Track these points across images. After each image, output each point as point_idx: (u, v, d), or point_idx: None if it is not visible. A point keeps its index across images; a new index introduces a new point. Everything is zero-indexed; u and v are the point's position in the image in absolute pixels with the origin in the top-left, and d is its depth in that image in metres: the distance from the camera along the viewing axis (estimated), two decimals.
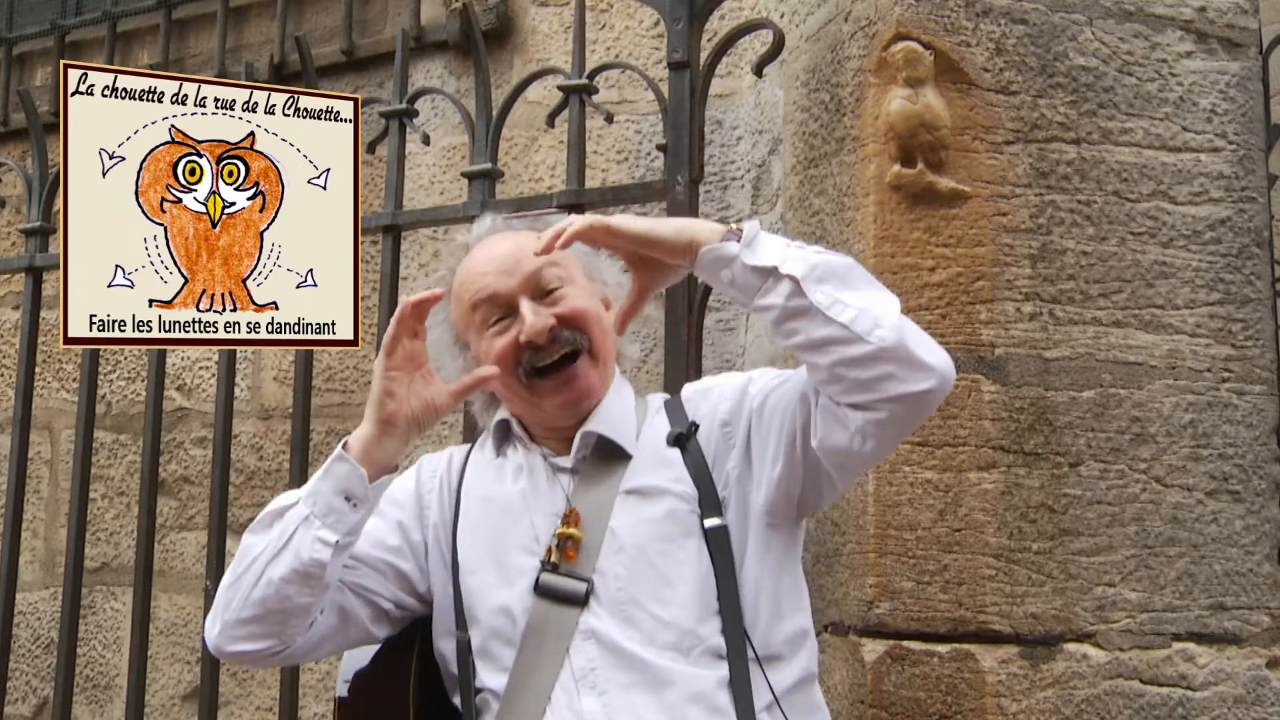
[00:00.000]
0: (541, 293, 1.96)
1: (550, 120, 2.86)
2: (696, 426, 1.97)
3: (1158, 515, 2.38)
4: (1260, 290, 2.52)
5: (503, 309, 1.96)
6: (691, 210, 2.62)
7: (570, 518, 1.90)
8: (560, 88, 2.79)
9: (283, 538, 1.84)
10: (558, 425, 2.00)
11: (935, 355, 1.74)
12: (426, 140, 3.06)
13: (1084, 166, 2.44)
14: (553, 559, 1.87)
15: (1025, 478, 2.34)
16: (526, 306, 1.93)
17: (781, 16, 2.99)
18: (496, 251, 2.00)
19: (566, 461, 1.99)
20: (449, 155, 3.92)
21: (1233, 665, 2.39)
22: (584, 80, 2.77)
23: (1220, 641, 2.40)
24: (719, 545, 1.88)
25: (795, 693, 1.88)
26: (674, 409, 2.03)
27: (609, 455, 1.97)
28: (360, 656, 2.04)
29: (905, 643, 2.35)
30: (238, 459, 3.98)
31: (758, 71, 2.73)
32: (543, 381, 1.95)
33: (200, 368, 4.28)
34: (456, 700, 1.95)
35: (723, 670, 1.83)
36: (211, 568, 3.01)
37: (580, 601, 1.84)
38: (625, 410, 2.03)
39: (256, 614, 1.86)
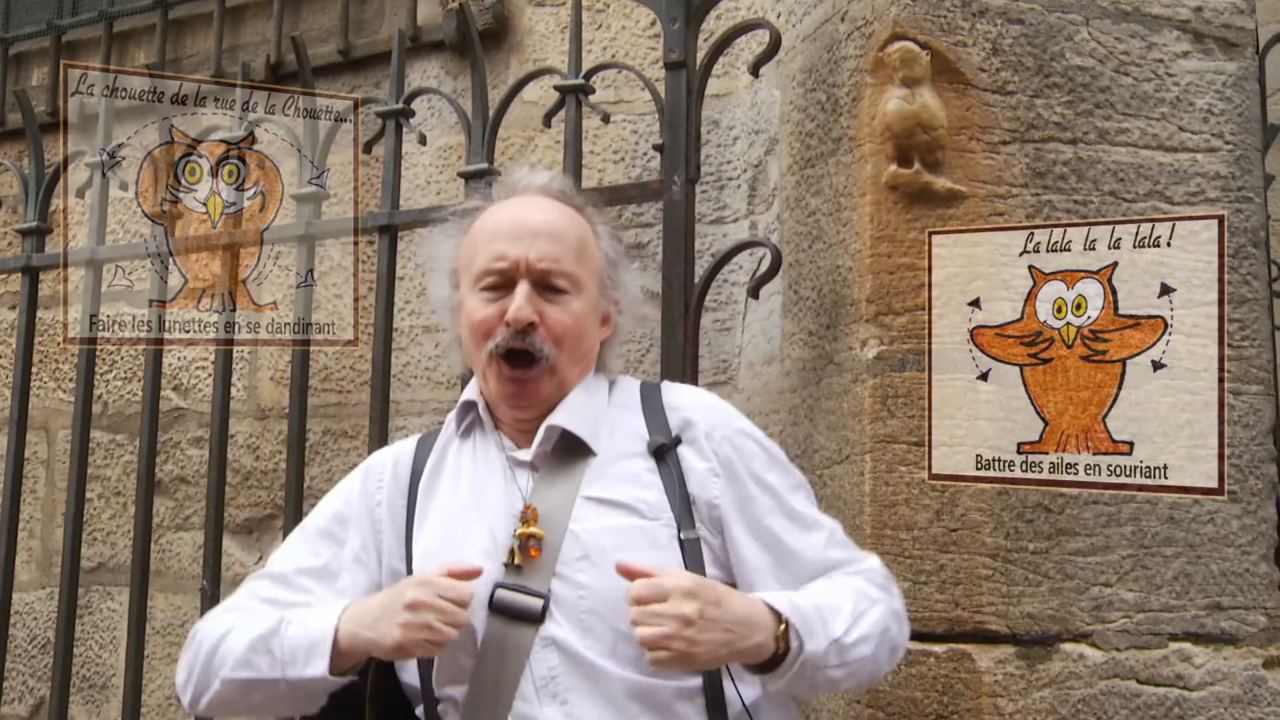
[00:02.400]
0: (545, 284, 1.92)
1: (547, 120, 2.86)
2: (679, 440, 1.94)
3: (1154, 515, 2.38)
4: (1257, 290, 2.52)
5: (503, 279, 1.93)
6: (688, 210, 2.62)
7: (529, 515, 1.87)
8: (557, 88, 2.79)
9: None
10: (511, 415, 1.98)
11: (901, 646, 1.93)
12: (423, 140, 3.06)
13: (1080, 166, 2.44)
14: (516, 560, 1.83)
15: None
16: (522, 291, 1.90)
17: (778, 16, 2.99)
18: (530, 217, 1.97)
19: (525, 455, 1.95)
20: (445, 155, 3.91)
21: (1229, 665, 2.39)
22: (580, 80, 2.77)
23: (1217, 641, 2.40)
24: (693, 557, 1.86)
25: (765, 699, 1.88)
26: (651, 405, 2.00)
27: (571, 451, 1.94)
28: None
29: None
30: (234, 459, 3.98)
31: (754, 71, 2.73)
32: (501, 364, 1.92)
33: (197, 368, 4.27)
34: (419, 711, 1.94)
35: (691, 681, 1.81)
36: (208, 567, 3.01)
37: (536, 619, 1.81)
38: (593, 405, 1.99)
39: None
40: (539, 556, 1.84)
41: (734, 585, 1.87)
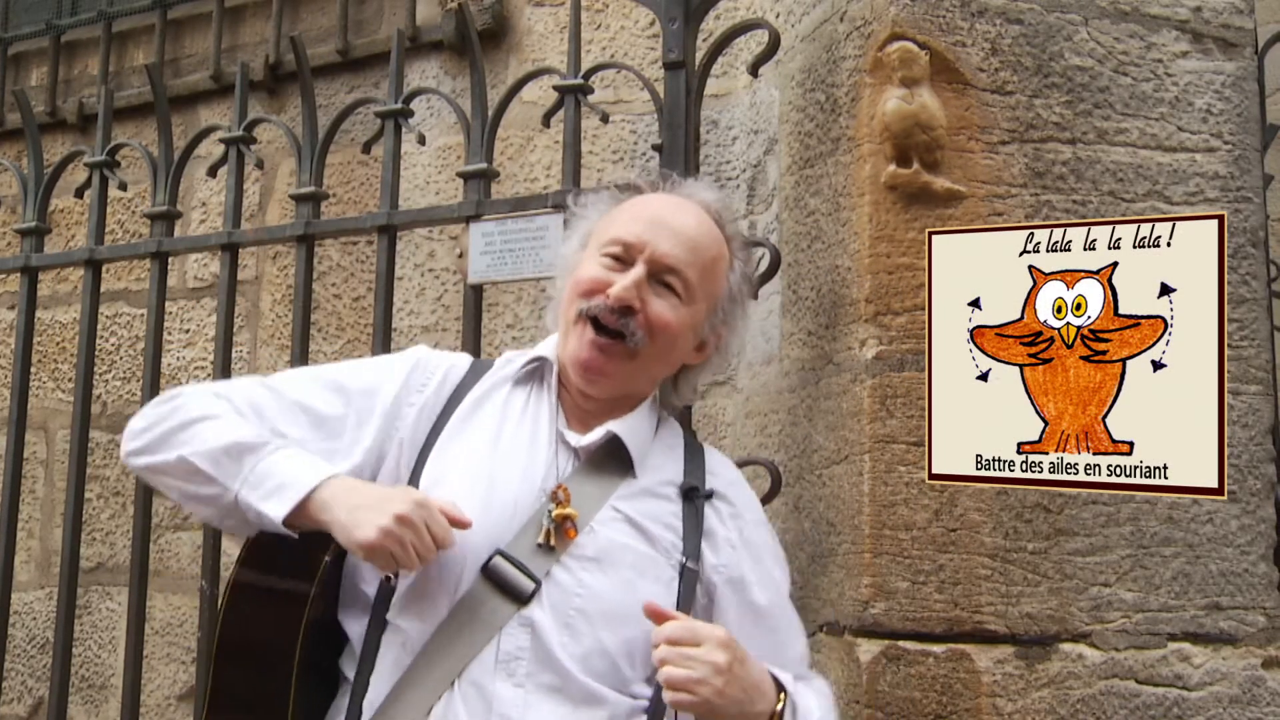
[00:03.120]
0: (661, 279, 1.93)
1: (546, 120, 2.86)
2: (711, 494, 1.96)
3: (1153, 515, 2.38)
4: (1256, 290, 2.52)
5: (626, 255, 1.93)
6: None
7: (562, 495, 1.86)
8: (556, 88, 2.79)
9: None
10: (577, 383, 1.96)
11: None
12: (422, 140, 3.06)
13: (1079, 166, 2.44)
14: (551, 541, 1.82)
15: None
16: (636, 272, 1.90)
17: (777, 16, 2.99)
18: (678, 216, 1.98)
19: (576, 440, 1.95)
20: (444, 155, 3.91)
21: (1228, 665, 2.39)
22: (579, 80, 2.77)
23: (1216, 641, 2.40)
24: (688, 587, 1.88)
25: None
26: (694, 460, 2.02)
27: (615, 459, 1.94)
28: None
29: (900, 643, 2.35)
30: None
31: (753, 71, 2.73)
32: (587, 330, 1.92)
33: (196, 368, 4.28)
34: (353, 625, 1.88)
35: (640, 702, 1.83)
36: (207, 567, 3.00)
37: (522, 599, 1.80)
38: (648, 431, 2.00)
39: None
40: (575, 537, 1.84)
41: None
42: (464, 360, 2.08)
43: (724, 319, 2.05)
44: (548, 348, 2.04)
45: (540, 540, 1.83)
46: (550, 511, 1.85)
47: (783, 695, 1.82)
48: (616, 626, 1.81)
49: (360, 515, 1.74)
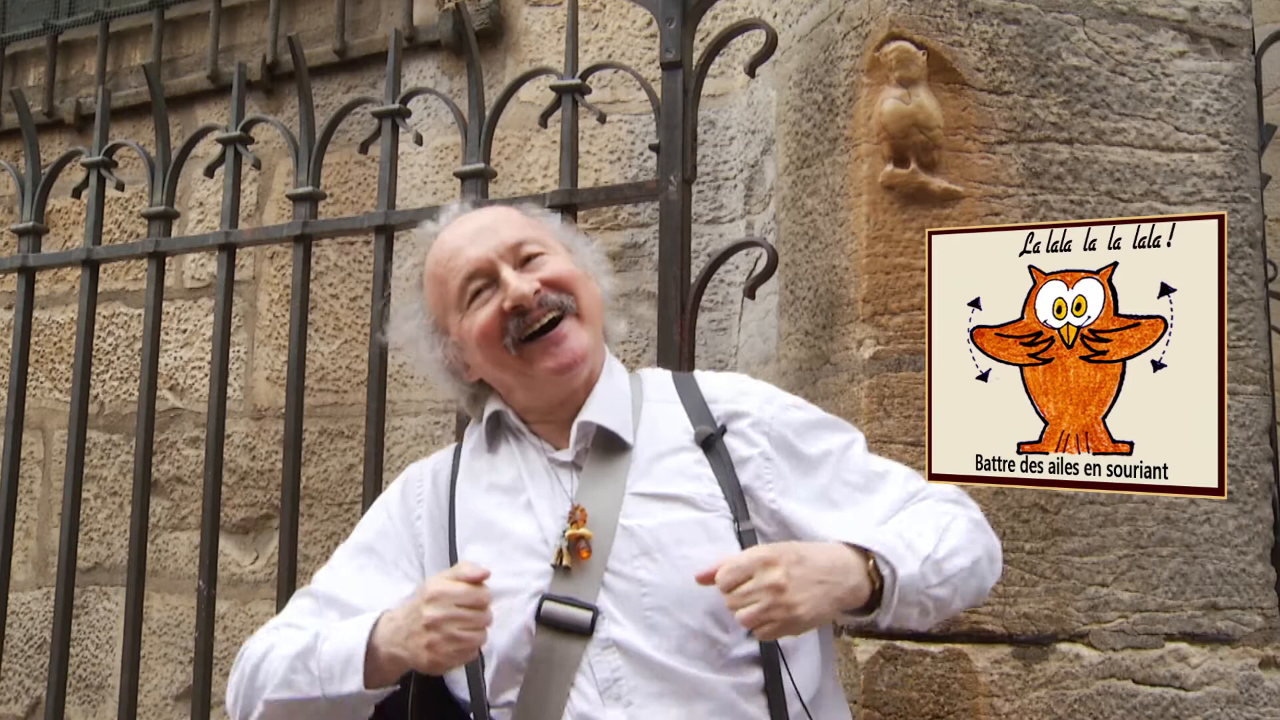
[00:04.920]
0: (521, 260, 1.92)
1: (543, 120, 2.85)
2: (724, 429, 1.92)
3: (1150, 515, 2.38)
4: (1253, 290, 2.53)
5: (484, 278, 1.91)
6: (684, 210, 2.62)
7: (577, 516, 1.84)
8: (553, 88, 2.79)
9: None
10: (553, 402, 1.94)
11: (997, 550, 1.96)
12: (419, 140, 3.05)
13: (1077, 166, 2.44)
14: (565, 562, 1.80)
15: None
16: (508, 273, 1.89)
17: (774, 16, 2.99)
18: (469, 227, 1.97)
19: (566, 455, 1.93)
20: (442, 155, 3.91)
21: (1225, 665, 2.39)
22: (577, 80, 2.77)
23: (1213, 641, 2.40)
24: (749, 541, 1.83)
25: (820, 696, 1.86)
26: (690, 398, 1.98)
27: (609, 446, 1.91)
28: None
29: (898, 643, 2.35)
30: (230, 459, 3.98)
31: (750, 71, 2.73)
32: (531, 346, 1.89)
33: (193, 368, 4.27)
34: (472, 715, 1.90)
35: (754, 676, 1.79)
36: (204, 567, 3.00)
37: (585, 632, 1.78)
38: (620, 394, 1.97)
39: None
40: (589, 558, 1.81)
41: None
42: (445, 454, 2.07)
43: (575, 249, 2.04)
44: (494, 403, 2.01)
45: (555, 562, 1.81)
46: (564, 533, 1.83)
47: (869, 557, 1.75)
48: (693, 604, 1.78)
49: (411, 644, 1.73)
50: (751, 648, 1.80)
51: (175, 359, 4.29)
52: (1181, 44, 2.54)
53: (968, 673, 2.30)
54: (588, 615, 1.78)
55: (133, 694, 3.10)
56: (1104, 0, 2.50)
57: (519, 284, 1.87)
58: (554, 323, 1.89)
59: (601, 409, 1.93)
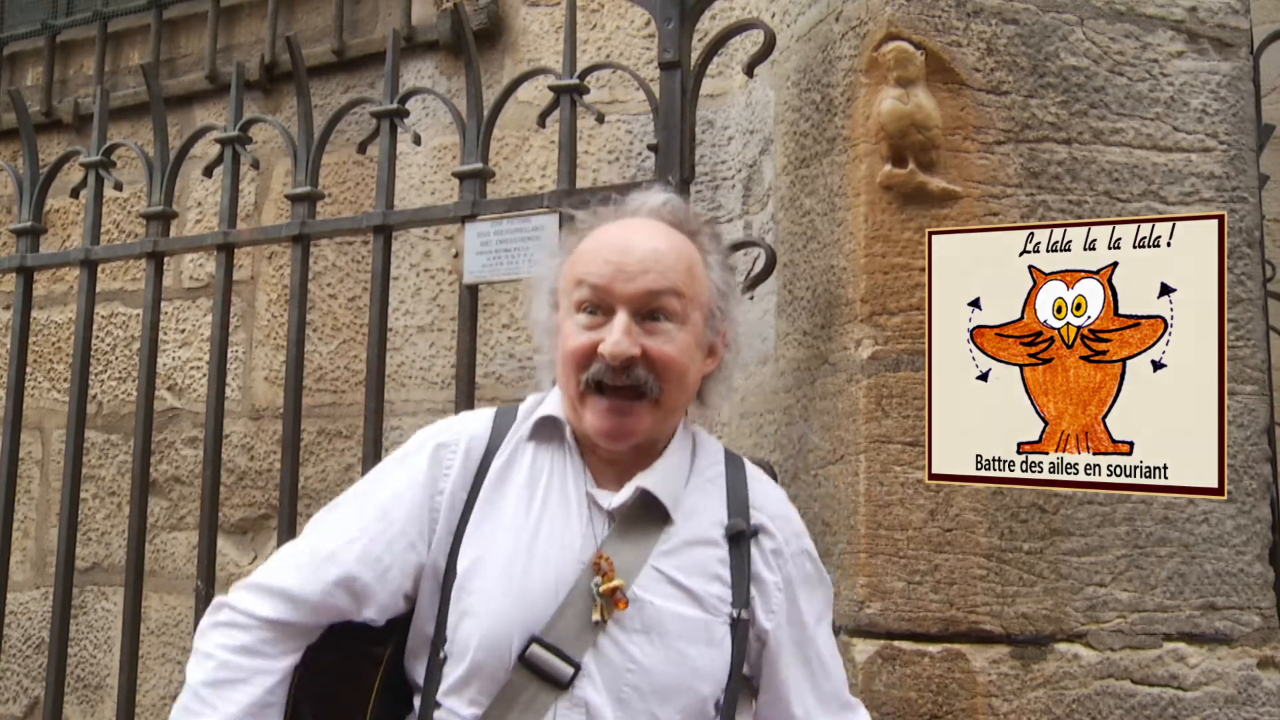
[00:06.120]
0: (646, 313, 1.81)
1: (541, 120, 2.85)
2: (756, 531, 1.89)
3: (1149, 515, 2.38)
4: (1251, 290, 2.53)
5: (599, 301, 1.81)
6: None
7: (606, 567, 1.79)
8: (551, 88, 2.79)
9: None
10: (598, 448, 1.88)
11: None
12: (417, 140, 3.05)
13: (1075, 166, 2.44)
14: (605, 617, 1.76)
15: None
16: (621, 322, 1.79)
17: (772, 16, 2.99)
18: (635, 240, 1.85)
19: (607, 500, 1.86)
20: (440, 155, 3.91)
21: (1224, 665, 2.39)
22: (575, 80, 2.77)
23: (1211, 641, 2.40)
24: (740, 638, 1.83)
25: None
26: (735, 494, 1.94)
27: (651, 510, 1.86)
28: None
29: (896, 643, 2.35)
30: (229, 459, 3.98)
31: (749, 71, 2.73)
32: (597, 398, 1.82)
33: (191, 368, 4.27)
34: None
35: None
36: (202, 567, 3.00)
37: (563, 685, 1.75)
38: (680, 469, 1.92)
39: None
40: (626, 608, 1.78)
41: (755, 683, 1.90)
42: (484, 424, 1.98)
43: (722, 316, 1.95)
44: (553, 404, 1.95)
45: (597, 618, 1.77)
46: (598, 586, 1.78)
47: None
48: (670, 698, 1.77)
49: None
50: None
51: (173, 359, 4.29)
52: (1180, 44, 2.54)
53: (966, 673, 2.30)
54: (569, 671, 1.75)
55: (131, 694, 3.10)
56: (1102, 0, 2.50)
57: (620, 343, 1.78)
58: (630, 391, 1.82)
59: (662, 480, 1.87)
